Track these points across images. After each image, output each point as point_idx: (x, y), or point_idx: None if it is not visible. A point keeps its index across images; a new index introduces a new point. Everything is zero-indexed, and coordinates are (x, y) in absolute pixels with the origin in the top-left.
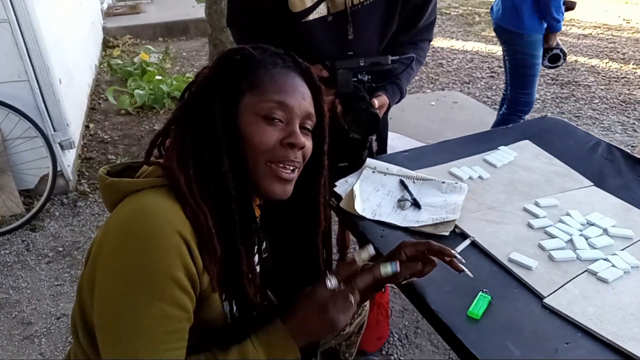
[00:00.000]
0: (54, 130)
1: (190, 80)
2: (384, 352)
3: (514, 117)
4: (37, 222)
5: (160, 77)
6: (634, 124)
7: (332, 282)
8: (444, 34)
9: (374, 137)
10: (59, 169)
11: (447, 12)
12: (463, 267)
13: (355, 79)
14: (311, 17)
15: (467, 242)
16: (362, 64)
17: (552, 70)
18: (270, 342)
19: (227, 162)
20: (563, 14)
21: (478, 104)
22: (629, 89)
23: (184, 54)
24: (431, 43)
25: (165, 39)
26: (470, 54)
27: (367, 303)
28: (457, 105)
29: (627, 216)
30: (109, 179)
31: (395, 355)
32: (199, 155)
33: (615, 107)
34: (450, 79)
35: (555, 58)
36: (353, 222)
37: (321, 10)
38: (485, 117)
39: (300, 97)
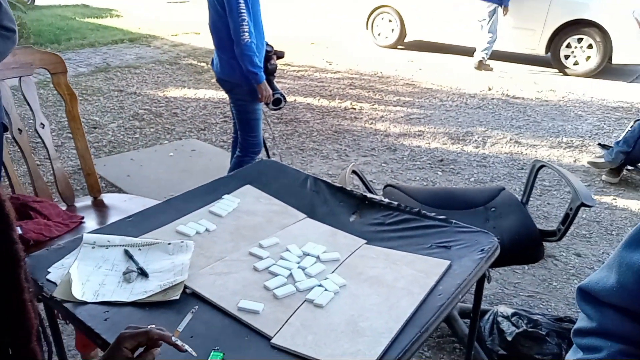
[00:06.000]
0: None
1: None
2: None
3: (247, 158)
4: None
5: None
6: (345, 149)
7: None
8: (176, 83)
9: None
10: None
11: (177, 62)
12: (186, 347)
13: None
14: None
15: (189, 316)
16: None
17: (277, 112)
18: None
19: None
20: (260, 67)
21: (216, 149)
22: (338, 121)
23: None
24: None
25: None
26: (203, 102)
27: None
28: (195, 152)
29: (335, 240)
30: None
31: None
32: None
33: (330, 137)
34: (186, 128)
35: (277, 101)
36: (69, 312)
37: None
38: (223, 161)
39: None
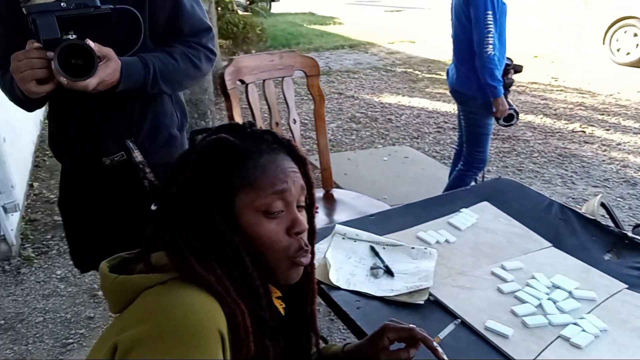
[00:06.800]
0: None
1: None
2: None
3: (470, 172)
4: None
5: None
6: (571, 176)
7: None
8: (391, 90)
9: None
10: (1, 233)
11: (392, 69)
12: (444, 356)
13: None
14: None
15: (451, 326)
16: (63, 6)
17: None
18: None
19: (249, 260)
20: (500, 81)
21: (428, 159)
22: (563, 143)
23: None
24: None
25: None
26: (417, 110)
27: None
28: (408, 160)
29: (588, 277)
30: (118, 276)
31: None
32: (221, 256)
33: (554, 161)
34: (400, 134)
35: (509, 117)
36: (326, 293)
37: None
38: (435, 171)
39: (293, 179)
